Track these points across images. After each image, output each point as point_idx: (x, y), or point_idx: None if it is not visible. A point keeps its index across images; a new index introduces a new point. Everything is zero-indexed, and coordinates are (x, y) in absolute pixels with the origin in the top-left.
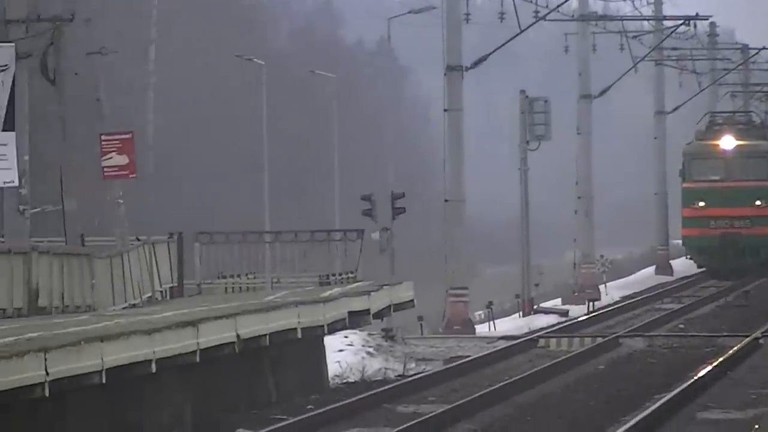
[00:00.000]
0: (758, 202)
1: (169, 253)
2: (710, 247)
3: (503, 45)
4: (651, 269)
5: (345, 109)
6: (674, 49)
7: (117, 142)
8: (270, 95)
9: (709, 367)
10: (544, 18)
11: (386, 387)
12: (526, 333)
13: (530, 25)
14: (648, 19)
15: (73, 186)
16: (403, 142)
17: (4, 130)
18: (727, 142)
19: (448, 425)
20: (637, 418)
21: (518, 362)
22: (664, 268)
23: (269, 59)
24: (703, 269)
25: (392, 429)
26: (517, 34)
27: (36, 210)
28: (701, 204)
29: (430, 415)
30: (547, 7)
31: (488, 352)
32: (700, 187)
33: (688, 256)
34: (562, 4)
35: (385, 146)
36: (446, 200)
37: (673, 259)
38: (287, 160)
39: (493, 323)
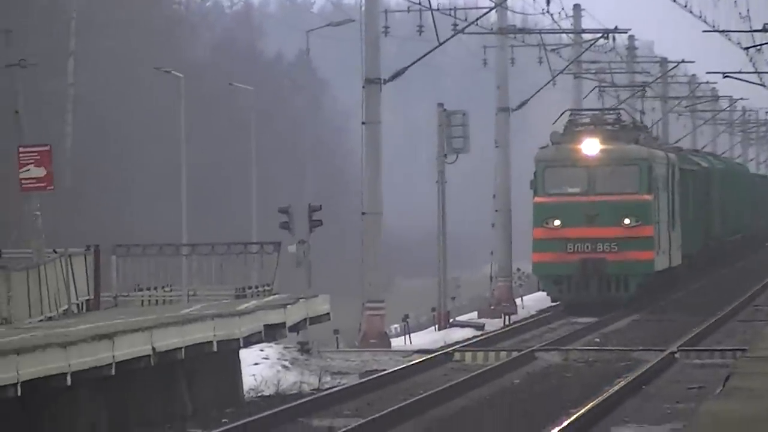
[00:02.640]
0: (627, 221)
1: (86, 265)
2: (567, 276)
3: (421, 58)
4: None
5: (264, 121)
6: (593, 62)
7: (35, 154)
8: (189, 107)
9: (625, 382)
10: (462, 31)
11: (301, 401)
12: (441, 347)
13: (448, 39)
14: (567, 33)
15: None
16: (322, 155)
17: None
18: (590, 147)
19: None
20: None
21: (434, 376)
22: None
23: (189, 71)
24: (557, 303)
25: None
26: (436, 47)
27: None
28: (557, 223)
29: (345, 428)
30: (465, 20)
31: (404, 366)
32: (556, 202)
33: (541, 288)
34: (481, 17)
35: (303, 159)
36: (363, 213)
37: None
38: (206, 172)
39: (409, 337)
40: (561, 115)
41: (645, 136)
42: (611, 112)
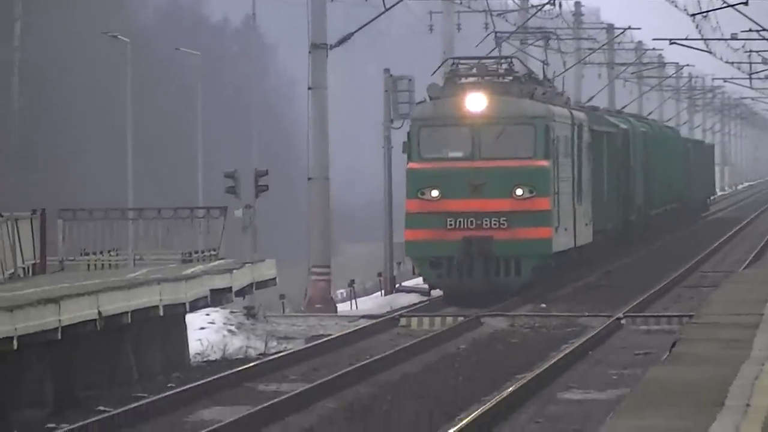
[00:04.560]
0: (520, 192)
1: (32, 229)
2: (448, 258)
3: (368, 24)
4: None
5: (210, 86)
6: (539, 28)
7: None
8: (136, 72)
9: (571, 348)
10: None
11: (247, 365)
12: (387, 312)
13: (394, 4)
14: None
15: None
16: (269, 121)
17: None
18: (475, 102)
19: (309, 404)
20: (498, 398)
21: (380, 341)
22: None
23: (135, 36)
24: (437, 291)
25: (253, 407)
26: (381, 13)
27: None
28: (434, 194)
29: (291, 393)
30: None
31: (350, 330)
32: (433, 168)
33: (415, 272)
34: None
35: (249, 124)
36: (310, 178)
37: None
38: (152, 137)
39: (355, 302)
40: (442, 64)
41: (546, 90)
42: (501, 60)
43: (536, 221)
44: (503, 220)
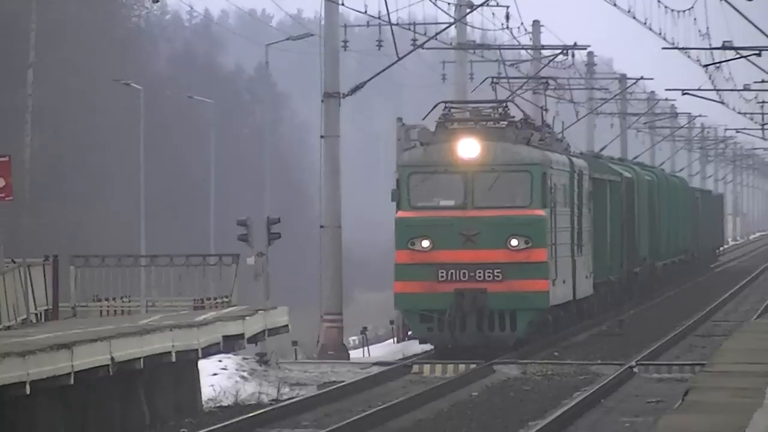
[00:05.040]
0: (515, 242)
1: (45, 275)
2: (439, 311)
3: (380, 72)
4: None
5: (223, 134)
6: (552, 78)
7: None
8: (149, 119)
9: (583, 395)
10: (421, 46)
11: (260, 411)
12: (400, 359)
13: (408, 53)
14: (526, 48)
15: None
16: (281, 168)
17: None
18: (467, 148)
19: None
20: None
21: (392, 388)
22: None
23: (148, 84)
24: (430, 347)
25: None
26: (395, 62)
27: None
28: (425, 244)
29: None
30: (425, 34)
31: (362, 377)
32: (424, 217)
33: (407, 330)
34: (440, 32)
35: (262, 171)
36: (322, 226)
37: None
38: (165, 183)
39: (368, 349)
40: (433, 108)
41: (544, 136)
42: (496, 105)
43: (532, 273)
44: (497, 272)
